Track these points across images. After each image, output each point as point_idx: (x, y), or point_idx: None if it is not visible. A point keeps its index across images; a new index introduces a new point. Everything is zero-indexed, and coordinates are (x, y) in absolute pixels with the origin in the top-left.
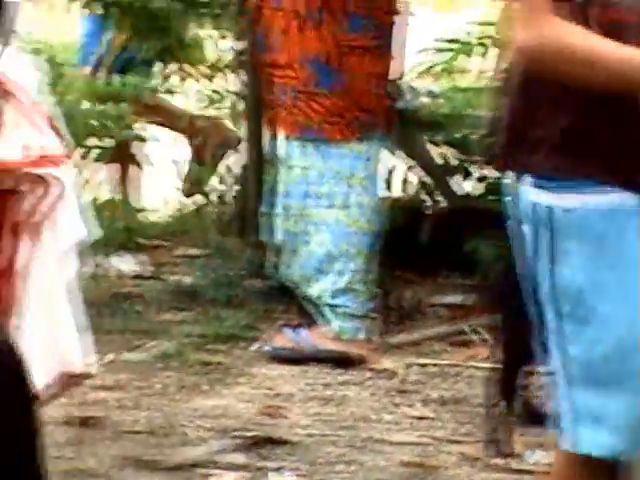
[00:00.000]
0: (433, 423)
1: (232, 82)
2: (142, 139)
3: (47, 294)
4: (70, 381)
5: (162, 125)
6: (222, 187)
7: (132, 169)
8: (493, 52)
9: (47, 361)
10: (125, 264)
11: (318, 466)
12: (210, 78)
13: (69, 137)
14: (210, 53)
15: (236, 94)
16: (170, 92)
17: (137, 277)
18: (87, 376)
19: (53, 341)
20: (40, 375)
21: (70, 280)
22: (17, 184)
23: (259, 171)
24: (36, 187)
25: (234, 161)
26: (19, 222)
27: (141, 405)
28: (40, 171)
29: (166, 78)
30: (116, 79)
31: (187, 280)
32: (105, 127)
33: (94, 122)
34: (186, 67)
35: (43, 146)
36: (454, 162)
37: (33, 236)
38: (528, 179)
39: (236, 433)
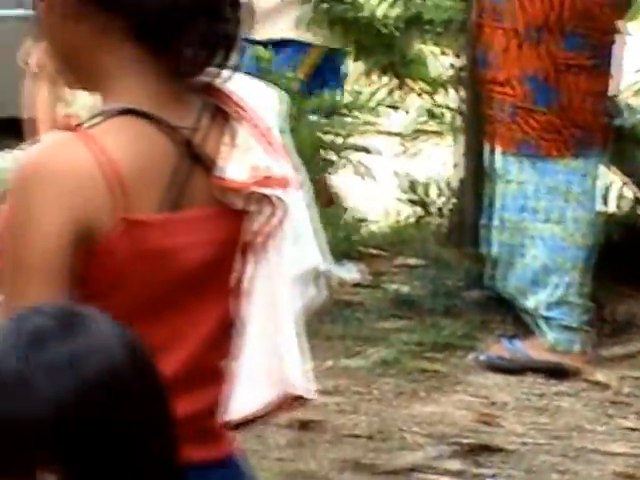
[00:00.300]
0: None
1: (452, 98)
2: (366, 151)
3: (271, 315)
4: (291, 402)
5: None
6: (440, 199)
7: (355, 180)
8: None
9: (269, 380)
10: (346, 272)
11: (532, 474)
12: (431, 94)
13: (297, 154)
14: (432, 69)
15: (455, 109)
16: (392, 107)
17: (357, 285)
18: (307, 400)
19: (276, 361)
20: (262, 394)
21: (301, 306)
22: (246, 204)
23: (476, 185)
24: (263, 207)
25: (452, 174)
26: (247, 242)
27: (360, 410)
28: (266, 191)
29: (389, 93)
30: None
31: (405, 289)
32: (328, 140)
33: (320, 135)
34: (409, 82)
35: (270, 167)
36: None
37: (258, 256)
38: None
39: (453, 440)
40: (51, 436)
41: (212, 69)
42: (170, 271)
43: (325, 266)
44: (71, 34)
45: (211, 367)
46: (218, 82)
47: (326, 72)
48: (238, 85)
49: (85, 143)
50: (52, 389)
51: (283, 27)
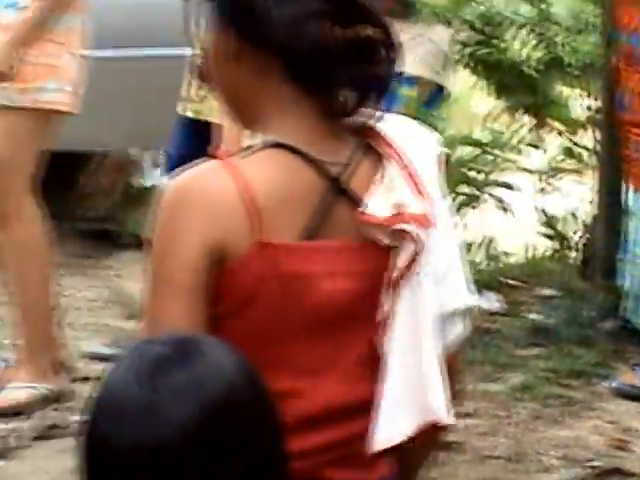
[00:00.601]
0: None
1: (589, 137)
2: (507, 187)
3: (413, 348)
4: (434, 429)
5: None
6: (577, 234)
7: (496, 215)
8: None
9: (412, 409)
10: (486, 301)
11: None
12: (570, 133)
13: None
14: (571, 110)
15: (591, 149)
16: (532, 145)
17: (496, 314)
18: (448, 427)
19: (419, 391)
20: (405, 422)
21: (449, 342)
22: (390, 240)
23: (609, 220)
24: (405, 244)
25: (588, 211)
26: (391, 277)
27: (499, 432)
28: (407, 227)
29: (530, 131)
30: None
31: (542, 318)
32: (472, 177)
33: (464, 171)
34: (549, 122)
35: (412, 205)
36: None
37: (399, 291)
38: None
39: (586, 463)
40: (179, 456)
41: (366, 109)
42: (305, 295)
43: (472, 303)
44: (233, 74)
45: (353, 396)
46: (371, 122)
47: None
48: (392, 126)
49: (229, 172)
50: (175, 415)
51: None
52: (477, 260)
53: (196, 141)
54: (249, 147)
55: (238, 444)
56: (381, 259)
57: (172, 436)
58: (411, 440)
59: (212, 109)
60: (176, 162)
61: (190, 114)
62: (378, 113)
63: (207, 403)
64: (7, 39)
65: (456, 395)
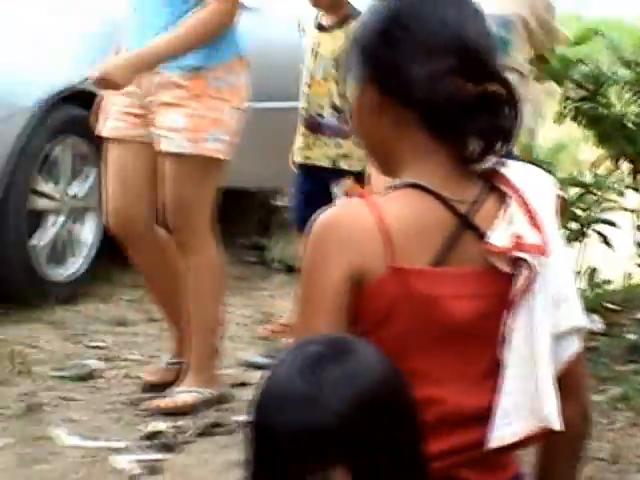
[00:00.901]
0: None
1: None
2: (610, 224)
3: (529, 361)
4: (545, 434)
5: None
6: None
7: (599, 249)
8: None
9: (526, 416)
10: (590, 322)
11: None
12: None
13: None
14: None
15: None
16: (632, 188)
17: (597, 334)
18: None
19: (533, 400)
20: (519, 427)
21: (567, 357)
22: (510, 267)
23: None
24: (522, 270)
25: None
26: (510, 299)
27: (602, 437)
28: (524, 256)
29: (629, 175)
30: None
31: (638, 338)
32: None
33: (572, 209)
34: None
35: (528, 236)
36: None
37: (517, 310)
38: None
39: None
40: (337, 440)
41: (492, 156)
42: (434, 315)
43: (585, 323)
44: (375, 125)
45: (481, 404)
46: (496, 166)
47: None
48: (514, 170)
49: (369, 207)
50: (334, 403)
51: None
52: (581, 287)
53: (309, 181)
54: (389, 187)
55: (386, 435)
56: (502, 284)
57: (330, 422)
58: (523, 442)
59: (320, 155)
60: (297, 199)
61: (301, 159)
62: (502, 159)
63: (360, 395)
64: (136, 56)
65: (584, 402)
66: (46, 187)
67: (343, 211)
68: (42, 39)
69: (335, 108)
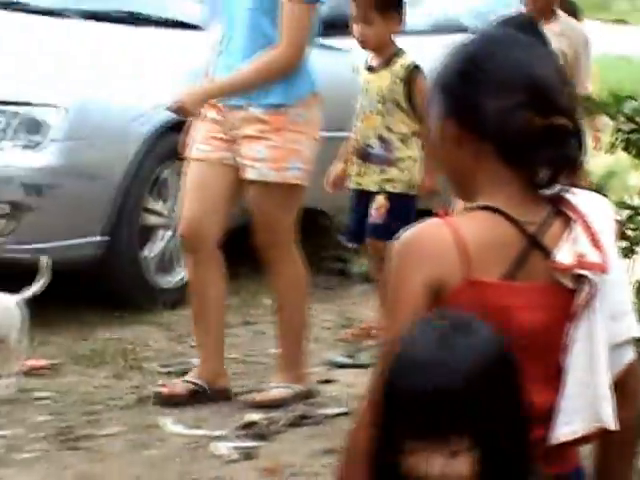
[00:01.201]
0: None
1: None
2: None
3: (588, 367)
4: (601, 433)
5: None
6: None
7: None
8: None
9: (584, 416)
10: None
11: None
12: None
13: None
14: None
15: None
16: None
17: None
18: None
19: (592, 402)
20: (577, 426)
21: (623, 365)
22: (574, 284)
23: None
24: (584, 285)
25: None
26: (573, 312)
27: None
28: (586, 273)
29: None
30: None
31: None
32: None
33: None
34: None
35: (590, 255)
36: None
37: (578, 322)
38: None
39: None
40: (463, 403)
41: (559, 183)
42: (506, 323)
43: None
44: (453, 155)
45: (550, 404)
46: (561, 192)
47: None
48: (578, 196)
49: (447, 226)
50: (462, 369)
51: None
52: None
53: (361, 203)
54: (466, 209)
55: (504, 407)
56: (565, 298)
57: (458, 385)
58: (582, 439)
59: (369, 182)
60: (351, 218)
61: (354, 185)
62: (568, 186)
63: (485, 363)
64: (204, 89)
65: (638, 405)
66: (156, 205)
67: (423, 229)
68: (152, 77)
69: (381, 139)
